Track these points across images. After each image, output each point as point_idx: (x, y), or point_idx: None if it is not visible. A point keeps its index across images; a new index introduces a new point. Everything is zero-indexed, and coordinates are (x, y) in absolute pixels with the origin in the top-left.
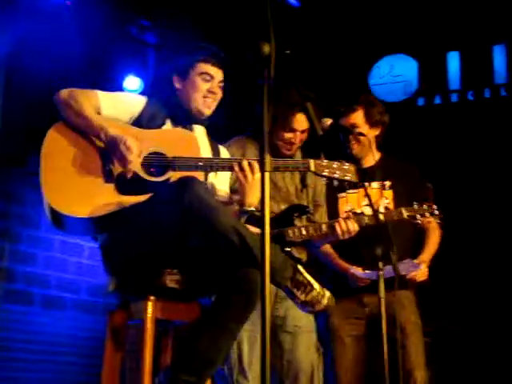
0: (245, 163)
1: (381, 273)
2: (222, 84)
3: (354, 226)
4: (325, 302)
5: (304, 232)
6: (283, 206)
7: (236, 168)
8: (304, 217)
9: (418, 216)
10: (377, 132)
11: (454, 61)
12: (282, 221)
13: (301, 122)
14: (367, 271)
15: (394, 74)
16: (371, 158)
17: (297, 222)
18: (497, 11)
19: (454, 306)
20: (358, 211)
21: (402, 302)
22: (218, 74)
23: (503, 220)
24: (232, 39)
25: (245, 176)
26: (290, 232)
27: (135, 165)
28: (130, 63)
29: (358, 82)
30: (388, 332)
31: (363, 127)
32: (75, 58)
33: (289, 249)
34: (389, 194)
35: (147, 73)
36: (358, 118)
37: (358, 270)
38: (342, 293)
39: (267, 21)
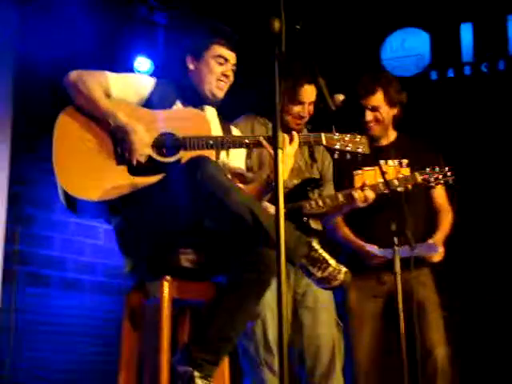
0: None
1: (396, 248)
2: (235, 67)
3: (370, 194)
4: (341, 277)
5: (321, 203)
6: (296, 181)
7: (264, 142)
8: (316, 191)
9: (432, 179)
10: (395, 112)
11: (467, 33)
12: (297, 195)
13: (309, 93)
14: (382, 249)
15: (406, 47)
16: (387, 137)
17: (310, 196)
18: None
19: (471, 282)
20: None
21: (420, 279)
22: (232, 57)
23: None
24: (242, 15)
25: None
26: (307, 205)
27: (144, 153)
28: (140, 44)
29: (369, 56)
30: (407, 309)
31: (383, 108)
32: (84, 40)
33: (306, 219)
34: (406, 172)
35: (157, 54)
36: (378, 99)
37: (373, 248)
38: (360, 270)
39: None
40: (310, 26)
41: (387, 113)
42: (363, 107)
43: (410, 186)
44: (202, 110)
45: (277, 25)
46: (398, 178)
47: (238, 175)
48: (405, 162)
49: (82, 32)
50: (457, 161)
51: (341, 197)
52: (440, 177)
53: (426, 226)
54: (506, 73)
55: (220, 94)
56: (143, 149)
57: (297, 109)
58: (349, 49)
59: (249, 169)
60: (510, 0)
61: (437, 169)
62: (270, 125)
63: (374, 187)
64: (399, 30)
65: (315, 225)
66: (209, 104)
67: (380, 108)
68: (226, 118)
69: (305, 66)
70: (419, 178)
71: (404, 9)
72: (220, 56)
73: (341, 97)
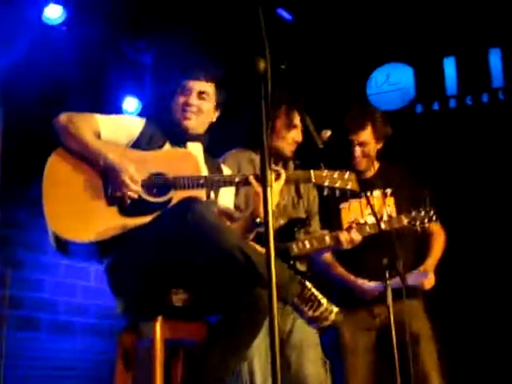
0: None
1: (388, 282)
2: (203, 95)
3: (356, 236)
4: (332, 317)
5: (308, 245)
6: (282, 221)
7: (253, 181)
8: (302, 230)
9: (418, 223)
10: (380, 145)
11: (450, 66)
12: (284, 236)
13: (298, 117)
14: (375, 283)
15: (391, 82)
16: (372, 168)
17: (297, 236)
18: (491, 15)
19: (461, 311)
20: (362, 221)
21: (412, 310)
22: (197, 86)
23: (503, 224)
24: (227, 56)
25: (257, 186)
26: (295, 247)
27: (135, 192)
28: (128, 84)
29: (355, 91)
30: (400, 342)
31: (371, 143)
32: (73, 81)
33: (292, 262)
34: (390, 201)
35: (144, 93)
36: (367, 135)
37: (365, 282)
38: (352, 304)
39: (262, 36)
40: (296, 64)
41: (374, 147)
42: (351, 142)
43: (396, 226)
44: (185, 146)
45: (262, 65)
46: (385, 222)
47: (226, 214)
48: (388, 191)
49: (70, 74)
50: (443, 192)
51: (328, 239)
52: (425, 220)
53: (415, 256)
54: (489, 105)
55: (188, 124)
56: (135, 187)
57: (291, 134)
58: (335, 84)
59: (236, 207)
60: (491, 34)
61: (423, 212)
62: (258, 160)
63: (361, 229)
64: (384, 64)
65: (301, 267)
66: (191, 140)
67: (368, 143)
68: (215, 154)
69: (294, 95)
70: (405, 220)
71: (388, 44)
72: (185, 88)
73: (328, 133)
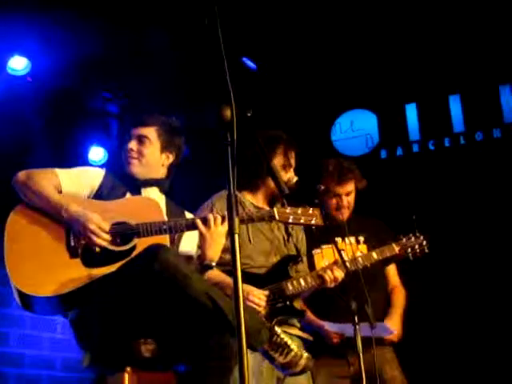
0: (210, 216)
1: (357, 327)
2: (144, 139)
3: (339, 273)
4: (303, 362)
5: (303, 283)
6: (275, 259)
7: (199, 225)
8: (294, 267)
9: (409, 250)
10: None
11: (412, 112)
12: (276, 274)
13: (295, 159)
14: (339, 324)
15: (355, 128)
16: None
17: (290, 273)
18: (450, 62)
19: (431, 358)
20: None
21: (384, 357)
22: (136, 131)
23: (474, 269)
24: (193, 104)
25: (207, 229)
26: (290, 285)
27: (104, 240)
28: (94, 134)
29: (320, 138)
30: None
31: (353, 193)
32: (38, 131)
33: (289, 303)
34: (363, 247)
35: (111, 143)
36: (352, 186)
37: (330, 324)
38: (326, 350)
39: (227, 85)
40: (261, 111)
41: (354, 198)
42: (339, 195)
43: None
44: (140, 193)
45: (227, 112)
46: (376, 252)
47: (187, 258)
48: (361, 238)
49: (36, 123)
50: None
51: (315, 276)
52: (416, 246)
53: (386, 300)
54: (451, 149)
55: (133, 169)
56: (104, 235)
57: (289, 174)
58: (299, 130)
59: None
60: (451, 80)
61: (412, 238)
62: (247, 201)
63: (354, 262)
64: (348, 111)
65: (298, 305)
66: (145, 185)
67: (352, 193)
68: (181, 203)
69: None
70: (396, 248)
71: (352, 91)
72: (127, 134)
73: (294, 179)
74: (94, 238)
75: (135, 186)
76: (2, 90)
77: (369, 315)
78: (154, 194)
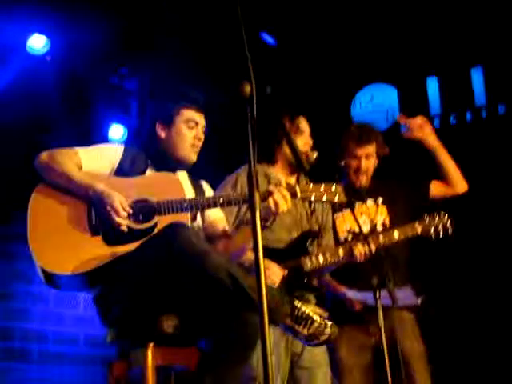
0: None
1: (379, 303)
2: (204, 129)
3: (371, 247)
4: (328, 331)
5: (321, 259)
6: (296, 234)
7: (271, 204)
8: (315, 243)
9: (432, 230)
10: (377, 163)
11: (433, 86)
12: (296, 250)
13: (306, 123)
14: (362, 293)
15: (375, 103)
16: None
17: (310, 249)
18: (472, 34)
19: (455, 330)
20: (357, 230)
21: (405, 328)
22: (201, 119)
23: (492, 242)
24: (213, 80)
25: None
26: (308, 262)
27: (124, 218)
28: (113, 112)
29: (340, 113)
30: (394, 361)
31: (374, 158)
32: (58, 110)
33: (306, 280)
34: (383, 209)
35: (130, 121)
36: (372, 149)
37: (353, 292)
38: (347, 320)
39: (246, 61)
40: (280, 87)
41: (374, 164)
42: (357, 156)
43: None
44: (174, 173)
45: (247, 89)
46: (398, 230)
47: (221, 234)
48: (380, 199)
49: (56, 101)
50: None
51: (341, 251)
52: (440, 226)
53: (409, 270)
54: (473, 124)
55: (194, 158)
56: (124, 214)
57: (301, 140)
58: (319, 106)
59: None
60: (472, 53)
61: (436, 218)
62: (272, 174)
63: (374, 240)
64: (368, 85)
65: (314, 282)
66: (181, 169)
67: (372, 157)
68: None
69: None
70: (419, 228)
71: (371, 65)
72: (190, 120)
73: (314, 154)
74: (116, 218)
75: (171, 169)
76: (22, 69)
77: (391, 292)
78: (184, 176)
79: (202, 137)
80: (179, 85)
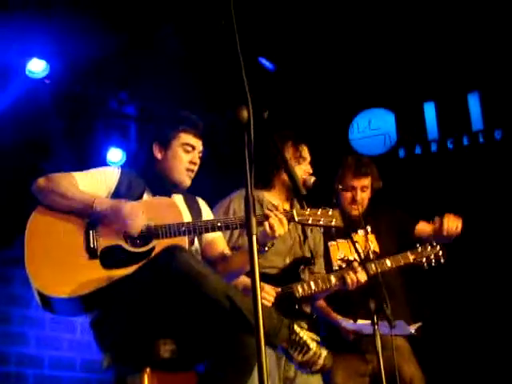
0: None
1: (376, 328)
2: (201, 154)
3: (363, 276)
4: (321, 362)
5: (313, 286)
6: (288, 260)
7: (267, 227)
8: (307, 270)
9: (424, 259)
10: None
11: (430, 110)
12: (288, 275)
13: (307, 151)
14: (358, 322)
15: (373, 127)
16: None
17: (302, 275)
18: (469, 60)
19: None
20: (351, 258)
21: (402, 354)
22: (198, 144)
23: (490, 268)
24: (210, 104)
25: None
26: (300, 288)
27: (141, 220)
28: (112, 136)
29: (338, 137)
30: None
31: (369, 190)
32: (57, 133)
33: (297, 306)
34: (372, 237)
35: (129, 145)
36: (368, 182)
37: (348, 322)
38: (345, 348)
39: (244, 86)
40: (278, 112)
41: (368, 196)
42: (354, 188)
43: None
44: (170, 198)
45: (244, 113)
46: (390, 259)
47: (223, 258)
48: (368, 228)
49: (55, 125)
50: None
51: (333, 279)
52: (432, 256)
53: (402, 304)
54: (470, 148)
55: (189, 182)
56: (139, 218)
57: (302, 167)
58: (317, 130)
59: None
60: (469, 79)
61: (429, 248)
62: (265, 199)
63: (366, 269)
64: (365, 110)
65: (307, 308)
66: (176, 192)
67: (368, 189)
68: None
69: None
70: (411, 257)
71: (369, 90)
72: (187, 144)
73: (312, 179)
74: (132, 223)
75: (166, 191)
76: (21, 93)
77: (388, 316)
78: (180, 199)
79: (198, 162)
80: (179, 109)
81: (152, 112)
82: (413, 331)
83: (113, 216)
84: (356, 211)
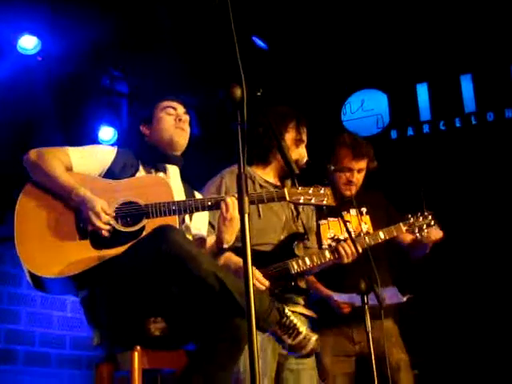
0: (227, 199)
1: (366, 308)
2: (186, 116)
3: (357, 248)
4: (311, 346)
5: (308, 262)
6: (283, 236)
7: (223, 206)
8: (301, 245)
9: (417, 230)
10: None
11: (423, 92)
12: (282, 251)
13: (306, 134)
14: (348, 294)
15: (366, 108)
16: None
17: (296, 251)
18: (462, 42)
19: (436, 336)
20: (341, 237)
21: (389, 337)
22: (179, 106)
23: (481, 250)
24: (203, 84)
25: (225, 212)
26: (295, 264)
27: (105, 224)
28: (104, 114)
29: (330, 117)
30: (379, 370)
31: (363, 172)
32: (48, 110)
33: (293, 283)
34: (366, 219)
35: (121, 123)
36: (364, 164)
37: (340, 295)
38: (332, 323)
39: (237, 64)
40: (271, 91)
41: (363, 177)
42: (351, 169)
43: (395, 234)
44: (165, 169)
45: (238, 92)
46: (384, 231)
47: (198, 239)
48: (364, 210)
49: (46, 104)
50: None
51: (327, 253)
52: (424, 225)
53: (388, 274)
54: (462, 129)
55: (181, 141)
56: (106, 219)
57: (300, 149)
58: (310, 110)
59: (214, 228)
60: (462, 61)
61: (420, 218)
62: (257, 176)
63: (359, 242)
64: (358, 91)
65: (301, 284)
66: (170, 162)
67: (363, 171)
68: (192, 181)
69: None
70: (404, 228)
71: (362, 71)
72: (168, 107)
73: (304, 159)
74: (97, 222)
75: (161, 161)
76: (13, 69)
77: (378, 295)
78: (175, 171)
79: (184, 119)
80: (162, 87)
81: (138, 91)
82: (404, 299)
83: (84, 212)
84: (349, 192)
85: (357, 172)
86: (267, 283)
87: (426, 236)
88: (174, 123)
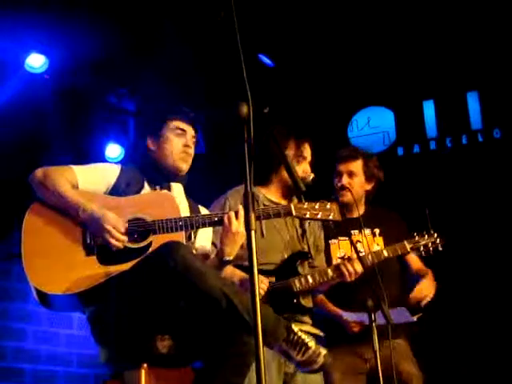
0: (231, 213)
1: (374, 326)
2: (194, 139)
3: (359, 267)
4: (321, 360)
5: (311, 280)
6: (286, 255)
7: (226, 221)
8: (306, 264)
9: (422, 248)
10: (369, 187)
11: (429, 109)
12: (286, 271)
13: (309, 150)
14: (357, 313)
15: (372, 125)
16: (358, 209)
17: (300, 270)
18: (468, 60)
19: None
20: (352, 257)
21: (401, 353)
22: (189, 128)
23: (487, 266)
24: (210, 101)
25: (228, 225)
26: (297, 282)
27: (118, 239)
28: (111, 131)
29: (337, 135)
30: None
31: (359, 177)
32: (55, 128)
33: (296, 301)
34: (379, 240)
35: (128, 140)
36: (357, 167)
37: (350, 314)
38: (341, 341)
39: (244, 82)
40: (278, 108)
41: (362, 184)
42: (340, 173)
43: (399, 252)
44: (169, 187)
45: (244, 109)
46: (387, 249)
47: (202, 255)
48: (377, 231)
49: (53, 120)
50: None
51: (330, 271)
52: (429, 244)
53: (399, 290)
54: (469, 146)
55: (185, 167)
56: (119, 236)
57: (302, 167)
58: (316, 128)
59: (215, 245)
60: (468, 78)
61: (426, 236)
62: (261, 196)
63: (362, 260)
64: (365, 108)
65: (306, 302)
66: (174, 180)
67: (356, 176)
68: (196, 198)
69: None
70: (408, 246)
71: (369, 88)
72: (178, 128)
73: (311, 176)
74: (110, 239)
75: (165, 180)
76: (20, 88)
77: (385, 313)
78: (179, 188)
79: (192, 145)
80: (170, 102)
81: (145, 106)
82: (415, 319)
83: (94, 227)
84: (345, 197)
85: (347, 175)
86: (266, 284)
87: (418, 289)
88: (182, 149)
